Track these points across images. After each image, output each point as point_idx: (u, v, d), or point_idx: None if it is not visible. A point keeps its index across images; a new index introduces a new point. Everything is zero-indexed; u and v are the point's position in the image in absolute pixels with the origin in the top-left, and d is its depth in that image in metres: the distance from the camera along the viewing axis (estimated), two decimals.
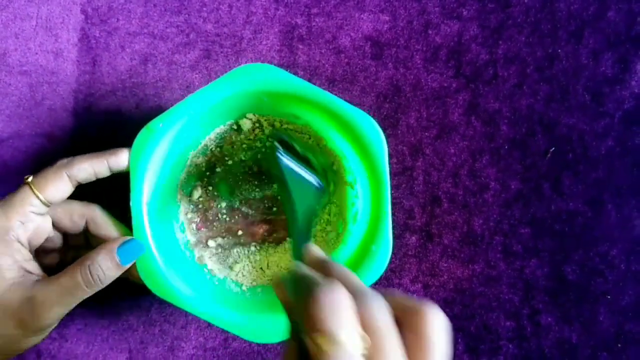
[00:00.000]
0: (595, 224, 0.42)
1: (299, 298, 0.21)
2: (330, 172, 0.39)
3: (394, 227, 0.42)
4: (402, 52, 0.42)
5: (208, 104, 0.35)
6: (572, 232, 0.42)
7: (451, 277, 0.42)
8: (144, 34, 0.42)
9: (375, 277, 0.34)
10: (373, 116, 0.39)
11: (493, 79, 0.42)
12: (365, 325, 0.21)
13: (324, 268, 0.24)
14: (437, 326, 0.21)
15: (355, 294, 0.21)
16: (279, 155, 0.34)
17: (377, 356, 0.20)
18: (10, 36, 0.42)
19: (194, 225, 0.40)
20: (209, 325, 0.42)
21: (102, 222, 0.36)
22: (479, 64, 0.42)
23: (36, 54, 0.42)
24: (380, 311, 0.21)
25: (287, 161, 0.34)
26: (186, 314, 0.42)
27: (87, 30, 0.42)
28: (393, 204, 0.42)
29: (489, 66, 0.42)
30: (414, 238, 0.42)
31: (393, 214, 0.42)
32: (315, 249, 0.27)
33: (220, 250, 0.40)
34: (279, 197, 0.40)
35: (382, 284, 0.42)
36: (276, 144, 0.35)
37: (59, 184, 0.34)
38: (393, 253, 0.42)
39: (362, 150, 0.35)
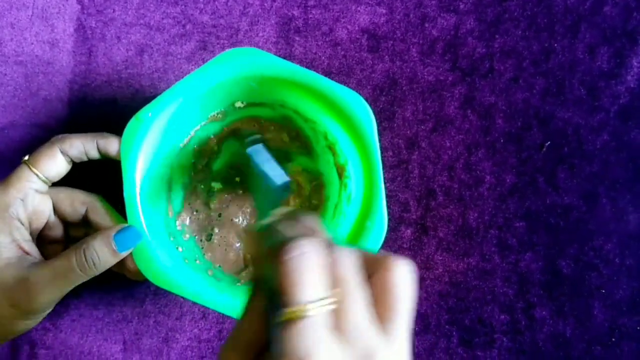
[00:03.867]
0: (590, 218, 0.42)
1: (268, 254, 0.21)
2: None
3: (388, 220, 0.42)
4: (398, 45, 0.42)
5: (196, 91, 0.35)
6: (567, 226, 0.42)
7: (446, 270, 0.42)
8: (140, 25, 0.42)
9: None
10: None
11: (489, 72, 0.42)
12: (335, 274, 0.21)
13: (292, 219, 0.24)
14: (401, 281, 0.22)
15: (323, 241, 0.22)
16: (251, 149, 0.35)
17: (341, 307, 0.21)
18: (6, 26, 0.41)
19: (186, 215, 0.40)
20: (204, 316, 0.42)
21: (101, 210, 0.36)
22: (475, 58, 0.42)
23: (32, 44, 0.42)
24: (350, 261, 0.22)
25: (258, 156, 0.35)
26: (181, 305, 0.42)
27: (83, 20, 0.42)
28: (388, 196, 0.42)
29: (485, 60, 0.42)
30: (409, 231, 0.42)
31: (388, 207, 0.42)
32: (283, 208, 0.26)
33: (212, 239, 0.40)
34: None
35: None
36: (250, 140, 0.36)
37: (53, 159, 0.34)
38: (388, 245, 0.42)
39: (351, 128, 0.35)
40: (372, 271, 0.22)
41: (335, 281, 0.21)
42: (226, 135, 0.40)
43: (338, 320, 0.20)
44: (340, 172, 0.38)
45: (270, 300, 0.21)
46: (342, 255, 0.22)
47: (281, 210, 0.26)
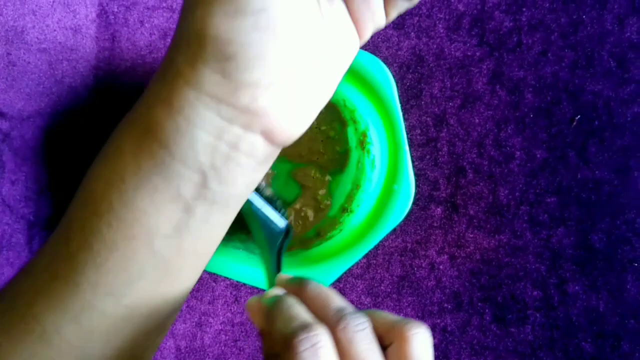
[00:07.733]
0: (621, 192, 0.42)
1: (280, 341, 0.21)
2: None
3: (418, 198, 0.42)
4: (424, 21, 0.42)
5: None
6: (599, 200, 0.42)
7: (477, 247, 0.42)
8: (163, 8, 0.41)
9: (400, 216, 0.34)
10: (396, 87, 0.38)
11: (517, 46, 0.42)
12: (350, 355, 0.21)
13: (299, 292, 0.24)
14: (418, 352, 0.22)
15: (333, 318, 0.22)
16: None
17: None
18: (28, 13, 0.41)
19: None
20: (236, 300, 0.42)
21: None
22: (502, 32, 0.42)
23: (54, 30, 0.41)
24: (363, 337, 0.21)
25: (256, 199, 0.34)
26: (213, 289, 0.42)
27: (105, 5, 0.41)
28: (417, 175, 0.42)
29: (513, 34, 0.42)
30: (439, 209, 0.42)
31: (417, 186, 0.42)
32: (285, 277, 0.26)
33: None
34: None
35: (409, 257, 0.42)
36: None
37: None
38: (419, 224, 0.42)
39: (370, 92, 0.34)
40: (389, 340, 0.22)
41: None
42: None
43: None
44: (363, 139, 0.38)
45: None
46: (355, 331, 0.21)
47: (284, 278, 0.26)
